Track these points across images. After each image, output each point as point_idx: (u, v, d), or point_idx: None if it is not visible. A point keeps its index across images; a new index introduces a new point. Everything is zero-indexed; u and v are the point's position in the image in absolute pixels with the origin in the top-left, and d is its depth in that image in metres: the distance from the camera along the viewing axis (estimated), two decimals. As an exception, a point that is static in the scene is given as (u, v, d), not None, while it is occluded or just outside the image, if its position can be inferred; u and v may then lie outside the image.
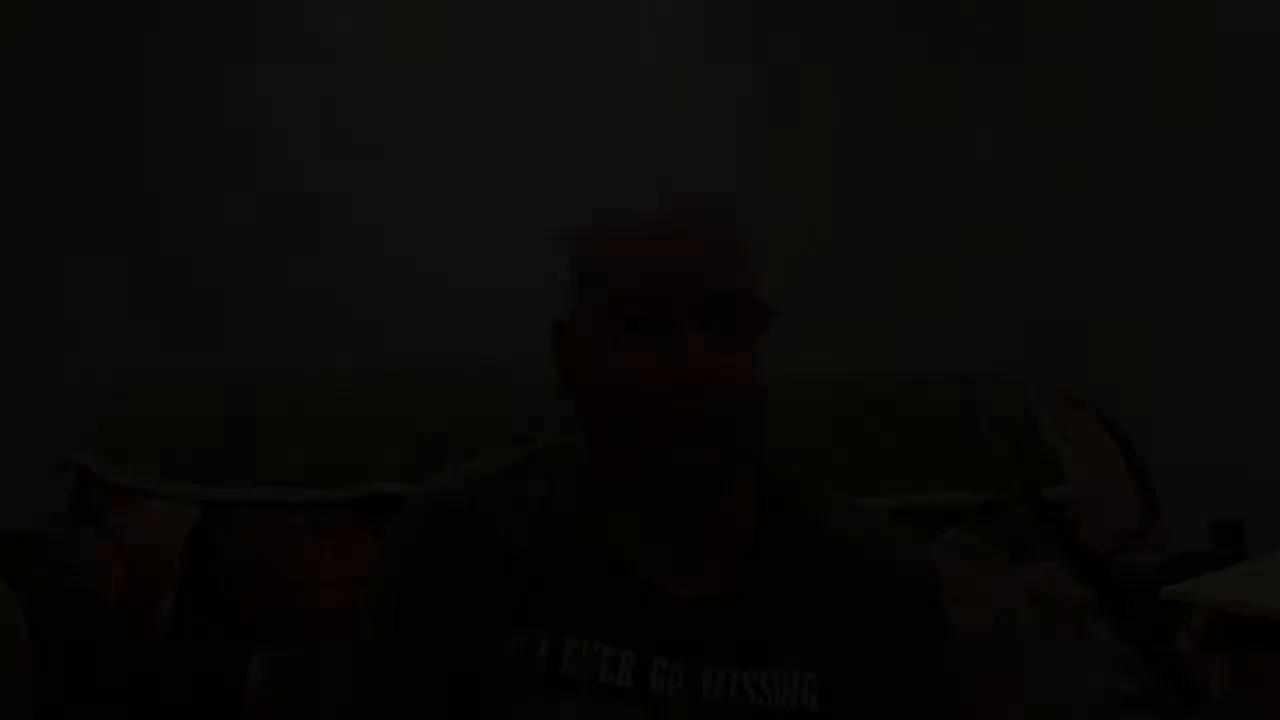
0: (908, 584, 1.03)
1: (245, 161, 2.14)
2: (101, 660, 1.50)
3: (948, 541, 1.63)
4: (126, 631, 1.57)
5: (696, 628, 0.98)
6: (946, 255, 2.13)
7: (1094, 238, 2.14)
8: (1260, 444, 2.03)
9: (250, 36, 2.16)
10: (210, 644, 1.59)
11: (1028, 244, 2.13)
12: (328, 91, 2.15)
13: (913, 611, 1.03)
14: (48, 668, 1.38)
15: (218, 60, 2.15)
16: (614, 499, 1.00)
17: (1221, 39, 2.14)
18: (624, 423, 0.94)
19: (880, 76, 2.17)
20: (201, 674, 1.58)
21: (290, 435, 1.71)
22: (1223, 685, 1.41)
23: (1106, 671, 1.50)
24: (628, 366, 0.93)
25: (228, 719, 1.55)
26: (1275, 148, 2.12)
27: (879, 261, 2.13)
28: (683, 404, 0.92)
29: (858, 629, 1.00)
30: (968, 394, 1.79)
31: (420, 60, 2.15)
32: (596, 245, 0.98)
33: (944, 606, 1.05)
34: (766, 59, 2.16)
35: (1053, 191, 2.14)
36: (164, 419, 1.74)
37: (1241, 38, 2.13)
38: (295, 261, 2.13)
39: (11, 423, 2.07)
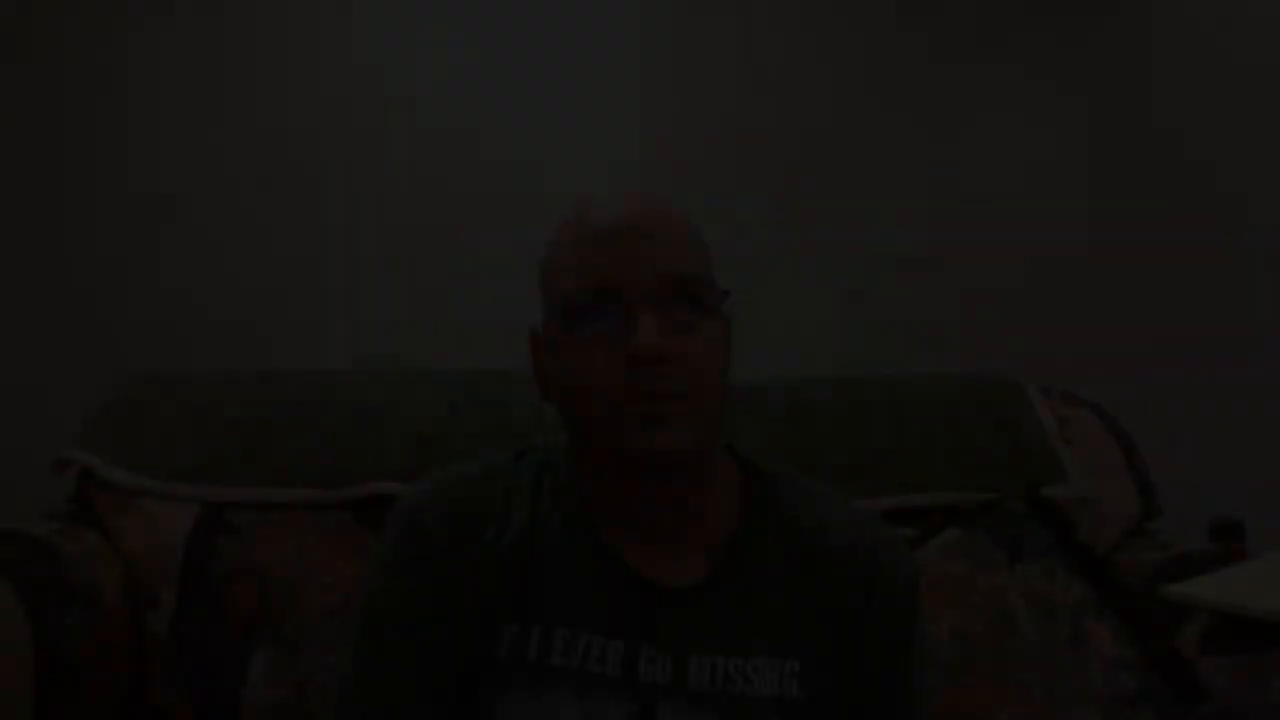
0: (889, 573, 1.05)
1: (245, 160, 2.14)
2: (101, 660, 1.50)
3: (947, 541, 1.63)
4: (126, 631, 1.57)
5: (682, 617, 1.00)
6: (946, 255, 2.13)
7: (1094, 238, 2.14)
8: (1260, 444, 2.03)
9: (250, 35, 2.16)
10: (210, 644, 1.59)
11: (1028, 244, 2.13)
12: (328, 90, 2.15)
13: (893, 601, 1.05)
14: (48, 668, 1.38)
15: (219, 57, 2.15)
16: (598, 492, 1.03)
17: (1225, 38, 2.14)
18: (593, 412, 0.96)
19: (878, 75, 2.17)
20: (201, 674, 1.58)
21: (290, 435, 1.70)
22: (1223, 685, 1.41)
23: (1106, 671, 1.50)
24: (589, 355, 0.96)
25: (227, 719, 1.55)
26: (1275, 148, 2.12)
27: (879, 262, 2.13)
28: (643, 385, 0.94)
29: (838, 618, 1.02)
30: (968, 394, 1.79)
31: (420, 61, 2.15)
32: (553, 248, 1.02)
33: (921, 595, 1.07)
34: (759, 59, 2.16)
35: (1053, 192, 2.14)
36: (164, 419, 1.74)
37: (1245, 38, 2.13)
38: (295, 262, 2.13)
39: (11, 423, 2.07)
